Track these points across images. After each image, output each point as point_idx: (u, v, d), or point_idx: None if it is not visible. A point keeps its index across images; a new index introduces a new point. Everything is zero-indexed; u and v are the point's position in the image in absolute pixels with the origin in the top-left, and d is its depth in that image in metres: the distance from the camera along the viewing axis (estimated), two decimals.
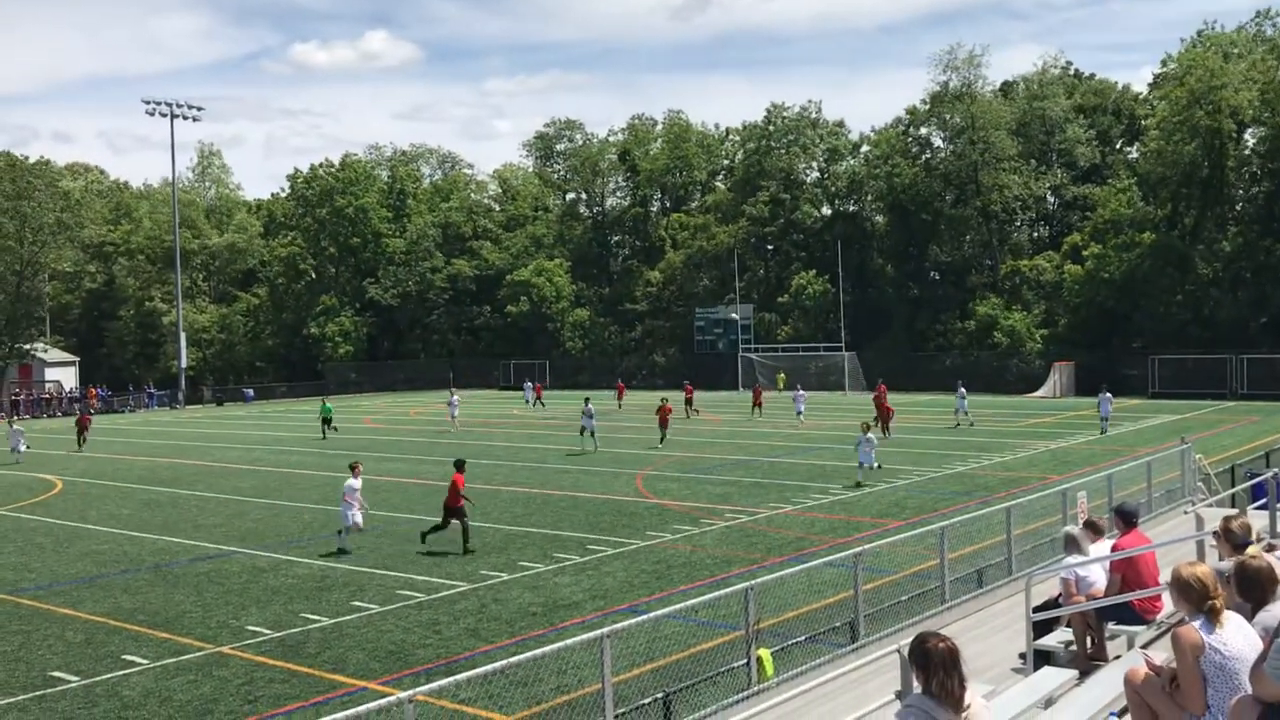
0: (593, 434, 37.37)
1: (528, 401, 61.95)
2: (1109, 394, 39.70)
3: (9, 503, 28.76)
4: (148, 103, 75.51)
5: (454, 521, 20.66)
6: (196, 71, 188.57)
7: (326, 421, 45.81)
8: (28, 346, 78.48)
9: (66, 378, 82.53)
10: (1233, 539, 7.04)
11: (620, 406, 57.01)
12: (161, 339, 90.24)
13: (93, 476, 34.09)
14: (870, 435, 28.78)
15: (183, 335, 79.01)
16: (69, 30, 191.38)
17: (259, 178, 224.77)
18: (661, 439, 38.07)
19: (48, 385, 78.60)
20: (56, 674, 13.66)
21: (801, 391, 48.15)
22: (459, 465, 21.45)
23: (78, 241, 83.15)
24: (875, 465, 28.53)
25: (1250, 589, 5.67)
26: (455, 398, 49.93)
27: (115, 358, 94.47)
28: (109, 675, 13.56)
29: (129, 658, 14.24)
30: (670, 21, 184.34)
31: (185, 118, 77.21)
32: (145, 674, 13.59)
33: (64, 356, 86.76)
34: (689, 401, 50.54)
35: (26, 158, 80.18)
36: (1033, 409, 51.52)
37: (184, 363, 79.21)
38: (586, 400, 39.48)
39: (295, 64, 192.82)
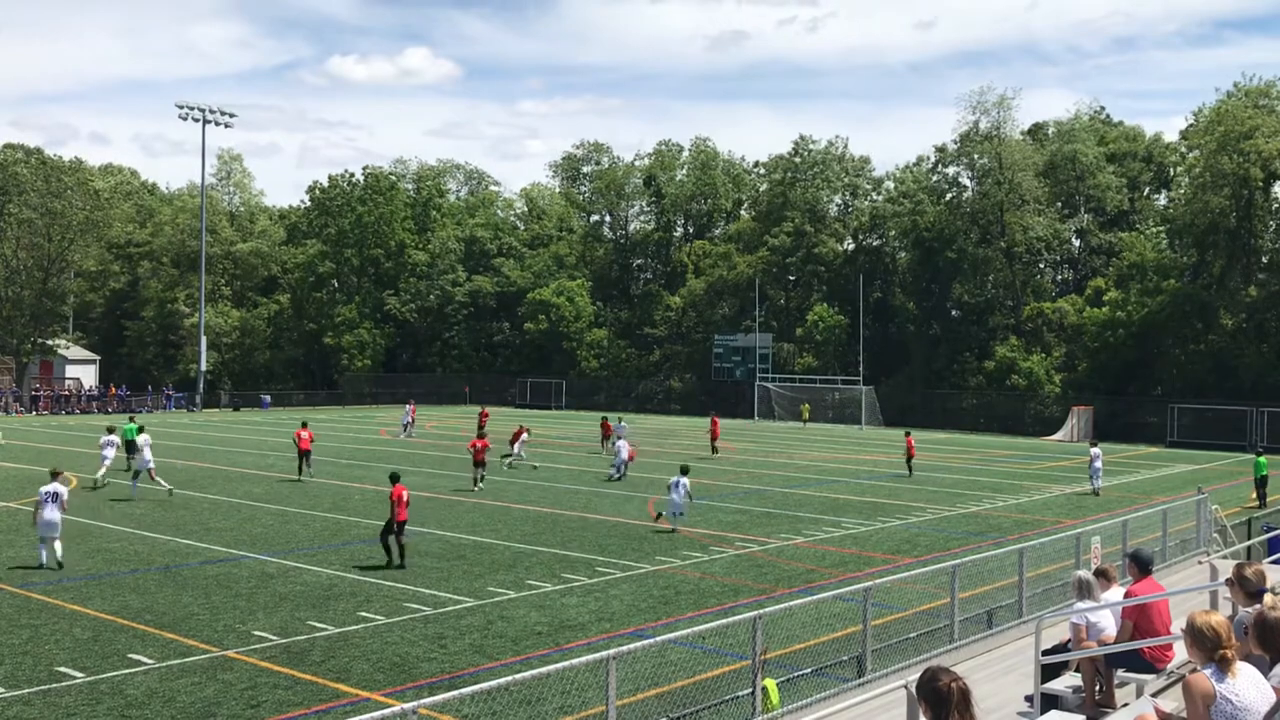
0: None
1: (404, 426, 51.76)
2: (1098, 450, 34.46)
3: (22, 497, 28.89)
4: (181, 107, 76.29)
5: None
6: (231, 80, 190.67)
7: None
8: (50, 342, 79.01)
9: (87, 375, 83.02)
10: (1246, 586, 6.96)
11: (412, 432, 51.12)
12: (182, 341, 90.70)
13: (108, 475, 34.14)
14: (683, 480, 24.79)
15: (204, 339, 79.44)
16: (109, 34, 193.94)
17: (290, 187, 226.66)
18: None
19: (68, 382, 79.08)
20: (62, 669, 13.68)
21: (624, 441, 35.34)
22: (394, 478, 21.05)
23: (104, 240, 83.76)
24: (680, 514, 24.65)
25: (1270, 640, 5.60)
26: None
27: (135, 358, 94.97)
28: (114, 673, 13.58)
29: (134, 656, 14.26)
30: (705, 52, 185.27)
31: (218, 124, 77.90)
32: (150, 674, 13.60)
33: (85, 354, 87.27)
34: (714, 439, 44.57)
35: (60, 157, 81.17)
36: (1049, 452, 51.23)
37: (204, 366, 79.60)
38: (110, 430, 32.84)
39: (331, 76, 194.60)
